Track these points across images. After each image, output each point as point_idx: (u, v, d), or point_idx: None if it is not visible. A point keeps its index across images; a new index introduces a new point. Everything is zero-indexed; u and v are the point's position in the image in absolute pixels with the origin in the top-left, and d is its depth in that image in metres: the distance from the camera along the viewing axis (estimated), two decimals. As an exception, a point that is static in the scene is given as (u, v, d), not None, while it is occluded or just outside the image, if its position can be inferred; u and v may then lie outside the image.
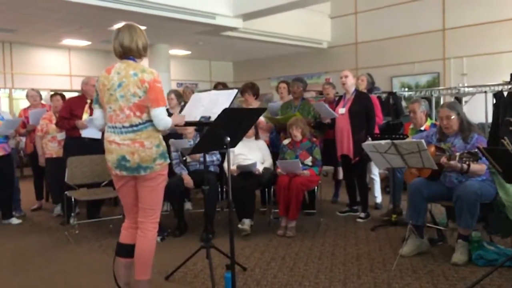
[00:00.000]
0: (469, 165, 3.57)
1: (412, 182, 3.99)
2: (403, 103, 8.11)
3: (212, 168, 5.06)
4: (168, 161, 3.01)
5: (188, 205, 6.01)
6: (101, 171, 5.17)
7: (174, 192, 4.72)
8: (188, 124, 3.63)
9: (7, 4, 7.75)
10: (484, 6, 9.89)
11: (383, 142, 3.71)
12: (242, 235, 4.62)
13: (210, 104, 3.28)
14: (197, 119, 3.27)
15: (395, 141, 3.65)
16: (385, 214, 5.27)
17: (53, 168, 5.74)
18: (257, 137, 5.32)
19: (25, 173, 9.61)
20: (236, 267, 3.06)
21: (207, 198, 4.01)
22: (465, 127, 3.84)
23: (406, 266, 3.66)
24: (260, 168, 5.02)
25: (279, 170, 4.92)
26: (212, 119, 3.03)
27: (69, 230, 5.02)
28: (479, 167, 3.64)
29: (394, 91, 8.61)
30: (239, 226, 4.70)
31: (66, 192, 4.98)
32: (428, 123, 4.83)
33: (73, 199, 4.92)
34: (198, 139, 4.81)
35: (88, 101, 5.35)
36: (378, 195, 5.89)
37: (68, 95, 6.96)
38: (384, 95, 7.88)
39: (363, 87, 5.73)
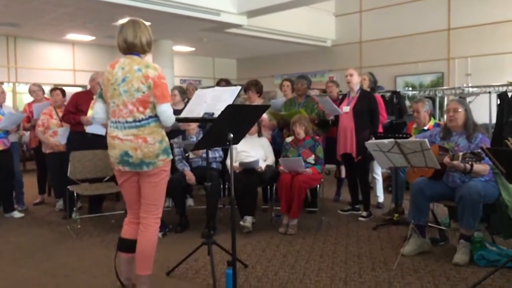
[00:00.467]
0: (472, 165, 3.55)
1: (414, 182, 3.98)
2: (407, 103, 8.10)
3: (214, 165, 5.06)
4: (171, 157, 3.01)
5: (190, 202, 6.02)
6: (103, 166, 5.18)
7: (176, 188, 4.73)
8: (191, 120, 3.63)
9: (11, -2, 7.77)
10: (489, 6, 9.84)
11: (386, 141, 3.70)
12: (243, 232, 4.63)
13: (214, 100, 3.28)
14: (201, 115, 3.27)
15: (398, 140, 3.64)
16: (387, 213, 5.27)
17: (55, 162, 5.76)
18: (260, 134, 5.32)
19: (27, 167, 9.63)
20: (237, 264, 3.06)
21: (209, 194, 4.01)
22: (470, 126, 3.83)
23: (408, 266, 3.66)
24: (262, 165, 5.02)
25: (281, 168, 4.91)
26: (216, 115, 3.03)
27: (71, 224, 5.03)
28: (482, 167, 3.63)
29: (397, 90, 8.59)
30: (241, 223, 4.70)
31: (68, 187, 4.99)
32: (432, 122, 4.82)
33: (75, 194, 4.93)
34: (201, 135, 4.81)
35: (95, 97, 5.36)
36: (380, 194, 5.88)
37: (71, 90, 6.97)
38: (387, 94, 7.87)
39: (365, 86, 5.72)
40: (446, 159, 3.60)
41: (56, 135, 5.80)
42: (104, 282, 3.43)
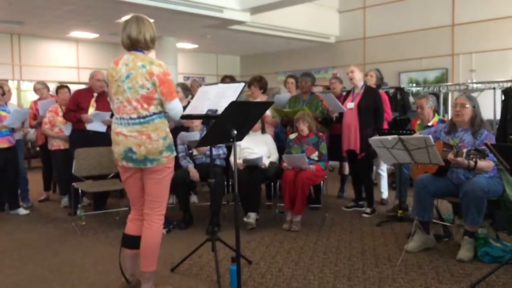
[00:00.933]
0: (476, 162, 3.54)
1: (418, 178, 3.98)
2: (411, 99, 8.09)
3: (218, 162, 5.06)
4: (175, 153, 3.01)
5: (194, 198, 6.03)
6: (108, 163, 5.20)
7: (180, 185, 4.74)
8: (195, 117, 3.63)
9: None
10: (493, 2, 9.79)
11: (390, 137, 3.70)
12: (247, 229, 4.64)
13: (217, 97, 3.28)
14: (204, 112, 3.27)
15: (402, 137, 3.64)
16: (391, 210, 5.26)
17: (61, 159, 5.79)
18: (263, 131, 5.32)
19: (32, 165, 9.68)
20: (241, 260, 3.06)
21: (213, 191, 4.03)
22: (477, 123, 3.81)
23: (412, 262, 3.66)
24: (266, 162, 5.02)
25: (285, 164, 4.92)
26: (219, 112, 3.03)
27: (76, 221, 5.05)
28: (487, 164, 3.62)
29: (401, 86, 8.58)
30: (245, 219, 4.71)
31: (73, 184, 5.02)
32: (436, 118, 4.80)
33: (80, 191, 4.95)
34: (204, 132, 4.82)
35: (95, 94, 5.38)
36: (384, 191, 5.88)
37: (75, 87, 6.98)
38: (391, 91, 7.85)
39: (372, 82, 5.70)
40: (450, 156, 3.59)
41: (61, 132, 5.82)
42: (109, 278, 3.45)
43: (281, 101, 5.89)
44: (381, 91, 5.77)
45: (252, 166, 4.93)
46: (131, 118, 2.85)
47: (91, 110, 5.30)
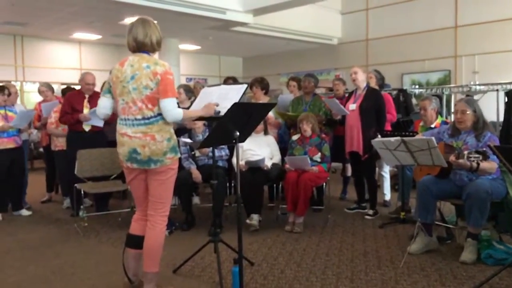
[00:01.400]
0: (478, 164, 3.53)
1: (421, 180, 3.96)
2: (414, 100, 8.06)
3: (220, 163, 5.07)
4: (179, 155, 3.02)
5: (196, 200, 6.03)
6: (109, 164, 5.21)
7: (183, 186, 4.74)
8: (197, 118, 3.62)
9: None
10: (496, 3, 9.77)
11: (392, 139, 3.69)
12: (250, 230, 4.63)
13: (220, 98, 3.27)
14: (207, 113, 3.26)
15: (405, 138, 3.63)
16: (394, 212, 5.25)
17: (64, 160, 5.79)
18: (266, 132, 5.31)
19: (35, 166, 9.69)
20: (243, 262, 3.06)
21: (215, 192, 4.02)
22: (480, 125, 3.79)
23: (414, 264, 3.65)
24: (268, 163, 5.02)
25: (287, 166, 4.91)
26: (222, 113, 3.03)
27: (78, 222, 5.06)
28: (490, 165, 3.60)
29: (404, 88, 8.56)
30: (247, 221, 4.70)
31: (75, 185, 5.02)
32: (439, 120, 4.79)
33: (82, 192, 4.96)
34: (207, 133, 4.82)
35: (86, 96, 5.42)
36: (387, 193, 5.86)
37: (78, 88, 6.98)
38: (394, 92, 7.84)
39: (372, 84, 5.68)
40: (452, 158, 3.58)
41: (65, 133, 5.83)
42: (111, 279, 3.45)
43: (284, 101, 5.88)
44: (385, 93, 5.75)
45: (254, 168, 4.92)
46: (136, 119, 2.86)
47: (86, 111, 5.33)
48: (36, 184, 6.45)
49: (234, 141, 2.95)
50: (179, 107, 2.94)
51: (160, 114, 2.87)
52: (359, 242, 4.32)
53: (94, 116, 5.26)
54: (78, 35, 11.29)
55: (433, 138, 3.52)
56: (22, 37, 11.35)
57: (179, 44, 11.86)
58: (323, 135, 5.17)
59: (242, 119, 2.97)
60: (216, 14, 9.11)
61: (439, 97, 7.20)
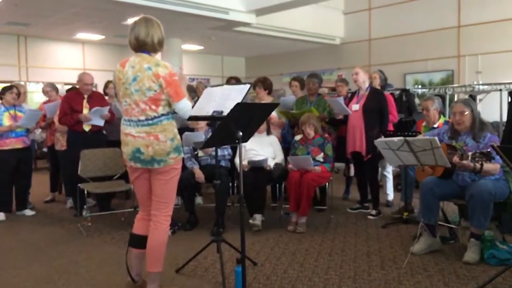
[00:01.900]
0: (482, 165, 3.52)
1: (424, 181, 3.96)
2: (416, 100, 8.06)
3: (223, 163, 5.07)
4: (182, 155, 3.02)
5: (199, 200, 6.04)
6: (113, 164, 5.23)
7: (185, 186, 4.74)
8: (200, 118, 3.64)
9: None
10: (499, 3, 9.75)
11: (395, 139, 3.68)
12: (252, 230, 4.63)
13: (223, 98, 3.28)
14: (210, 113, 3.27)
15: (408, 138, 3.62)
16: (397, 212, 5.24)
17: (68, 160, 5.79)
18: (268, 132, 5.31)
19: (38, 166, 9.72)
20: (246, 262, 3.06)
21: (218, 192, 4.02)
22: (477, 126, 3.78)
23: (417, 264, 3.64)
24: (271, 163, 5.02)
25: (290, 166, 4.91)
26: (225, 113, 3.03)
27: (81, 222, 5.07)
28: (493, 166, 3.59)
29: (407, 88, 8.55)
30: (250, 221, 4.71)
31: (78, 185, 5.04)
32: (441, 120, 4.78)
33: (85, 192, 4.97)
34: (210, 133, 4.82)
35: (85, 96, 5.43)
36: (390, 193, 5.85)
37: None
38: (397, 92, 7.83)
39: (376, 84, 5.69)
40: (456, 159, 3.57)
41: None
42: (114, 279, 3.46)
43: (287, 103, 5.88)
44: (387, 93, 5.75)
45: (257, 168, 4.92)
46: (139, 120, 2.86)
47: (86, 111, 5.33)
48: (39, 184, 6.47)
49: (237, 141, 2.95)
50: None
51: (163, 115, 2.88)
52: (362, 242, 4.32)
53: (95, 115, 5.28)
54: (81, 35, 11.32)
55: (436, 138, 3.51)
56: (26, 38, 11.38)
57: (181, 44, 11.87)
58: (326, 135, 5.17)
59: (245, 119, 2.97)
60: (218, 14, 9.12)
61: (442, 97, 7.20)
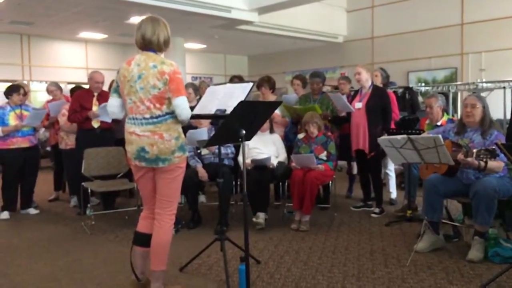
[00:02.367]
0: (486, 162, 3.51)
1: (428, 179, 3.95)
2: (420, 98, 8.04)
3: (226, 161, 5.07)
4: (187, 154, 3.02)
5: (202, 198, 6.04)
6: (117, 163, 5.24)
7: (189, 184, 4.74)
8: (203, 117, 3.63)
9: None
10: (503, 0, 9.71)
11: (399, 137, 3.68)
12: (256, 229, 4.63)
13: (226, 97, 3.28)
14: (213, 112, 3.28)
15: (412, 136, 3.61)
16: (400, 210, 5.24)
17: (72, 159, 5.81)
18: (271, 131, 5.31)
19: (41, 165, 9.72)
20: (250, 260, 3.07)
21: (221, 191, 4.02)
22: (486, 123, 3.78)
23: (421, 262, 3.64)
24: (274, 162, 5.02)
25: (293, 164, 4.91)
26: (228, 112, 3.03)
27: (85, 220, 5.08)
28: (497, 164, 3.59)
29: (410, 86, 8.53)
30: (254, 219, 4.71)
31: (82, 183, 5.05)
32: (445, 118, 4.77)
33: (89, 190, 4.98)
34: (213, 132, 4.82)
35: (95, 94, 5.45)
36: (393, 191, 5.85)
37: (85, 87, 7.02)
38: (400, 90, 7.81)
39: (378, 82, 5.68)
40: (460, 156, 3.56)
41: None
42: (118, 277, 3.47)
43: (289, 101, 5.87)
44: (389, 91, 5.74)
45: (260, 166, 4.92)
46: (144, 118, 2.87)
47: (95, 108, 5.36)
48: (43, 183, 6.49)
49: (240, 139, 2.95)
50: None
51: (168, 113, 2.88)
52: (365, 240, 4.31)
53: (102, 112, 5.29)
54: (84, 34, 11.33)
55: (439, 136, 3.51)
56: (29, 37, 11.40)
57: (184, 43, 11.87)
58: (329, 133, 5.16)
59: (248, 118, 2.97)
60: (221, 12, 9.12)
61: (445, 95, 7.19)
